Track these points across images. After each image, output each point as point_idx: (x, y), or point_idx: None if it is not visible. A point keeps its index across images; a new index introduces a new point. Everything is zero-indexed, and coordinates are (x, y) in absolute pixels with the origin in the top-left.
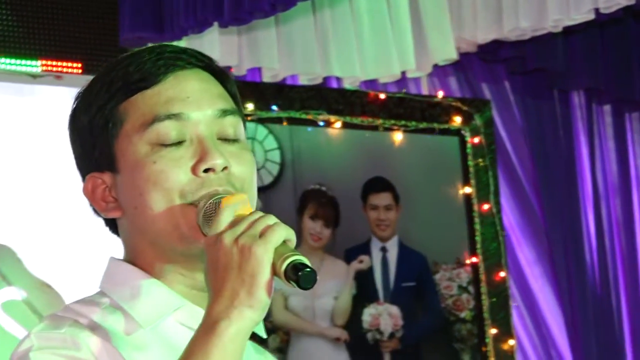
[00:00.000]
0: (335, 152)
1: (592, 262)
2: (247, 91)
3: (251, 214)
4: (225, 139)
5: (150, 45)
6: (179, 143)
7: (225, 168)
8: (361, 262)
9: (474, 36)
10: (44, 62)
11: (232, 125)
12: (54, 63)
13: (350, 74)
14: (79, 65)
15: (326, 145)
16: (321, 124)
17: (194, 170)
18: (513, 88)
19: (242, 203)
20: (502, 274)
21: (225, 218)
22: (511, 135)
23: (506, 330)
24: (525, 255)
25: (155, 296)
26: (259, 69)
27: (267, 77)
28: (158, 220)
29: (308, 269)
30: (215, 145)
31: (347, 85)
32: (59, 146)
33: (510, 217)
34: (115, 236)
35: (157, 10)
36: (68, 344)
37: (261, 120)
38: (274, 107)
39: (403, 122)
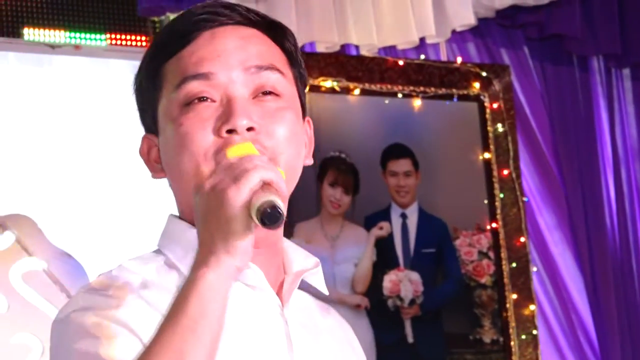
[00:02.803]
0: (354, 119)
1: (612, 226)
2: None
3: (240, 158)
4: (263, 96)
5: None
6: (208, 104)
7: (251, 129)
8: (381, 228)
9: (491, 1)
10: (65, 32)
11: (271, 81)
12: (74, 34)
13: (368, 41)
14: (99, 36)
15: (345, 112)
16: (340, 91)
17: (217, 131)
18: (532, 53)
19: (246, 151)
20: (522, 239)
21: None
22: (530, 100)
23: (527, 296)
24: (545, 220)
25: None
26: None
27: None
28: (188, 182)
29: (274, 208)
30: (243, 105)
31: (364, 52)
32: (77, 116)
33: (529, 182)
34: (137, 204)
35: None
36: (111, 304)
37: None
38: None
39: (422, 89)
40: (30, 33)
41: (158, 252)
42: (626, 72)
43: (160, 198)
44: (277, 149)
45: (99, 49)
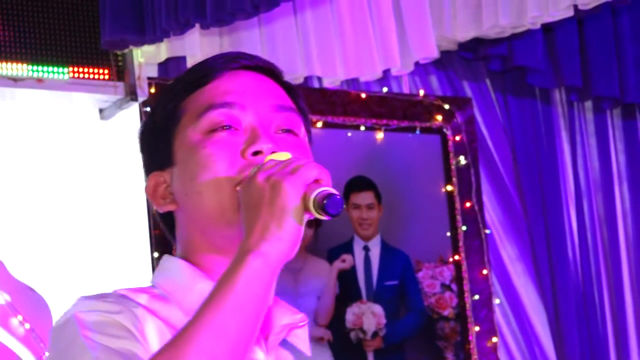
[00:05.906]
0: (316, 151)
1: (575, 258)
2: None
3: (288, 158)
4: (282, 133)
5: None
6: (233, 131)
7: (275, 152)
8: (344, 261)
9: (454, 34)
10: (27, 65)
11: (291, 121)
12: (37, 67)
13: (332, 74)
14: (62, 69)
15: None
16: None
17: (243, 153)
18: (494, 86)
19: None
20: (485, 271)
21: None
22: (493, 132)
23: (489, 328)
24: (508, 252)
25: (202, 290)
26: None
27: None
28: (207, 204)
29: (336, 196)
30: (268, 133)
31: (327, 84)
32: (39, 149)
33: (492, 215)
34: (102, 237)
35: (137, 11)
36: (112, 309)
37: None
38: None
39: (384, 121)
40: None
41: (152, 287)
42: (588, 104)
43: (126, 231)
44: None
45: (61, 82)
